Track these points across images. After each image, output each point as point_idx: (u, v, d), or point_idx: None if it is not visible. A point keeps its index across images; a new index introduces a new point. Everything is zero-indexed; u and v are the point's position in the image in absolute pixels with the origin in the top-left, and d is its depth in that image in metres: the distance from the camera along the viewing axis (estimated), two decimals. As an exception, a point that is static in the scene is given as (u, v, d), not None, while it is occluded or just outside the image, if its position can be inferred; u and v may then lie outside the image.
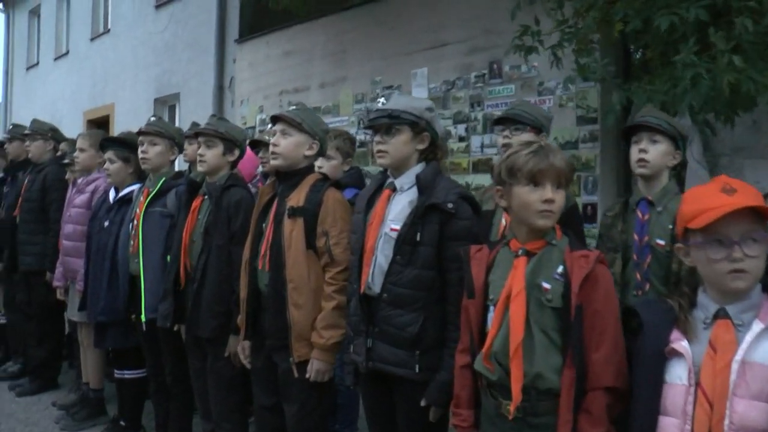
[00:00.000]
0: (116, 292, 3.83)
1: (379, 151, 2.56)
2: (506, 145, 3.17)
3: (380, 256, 2.51)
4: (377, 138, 2.55)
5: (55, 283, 4.69)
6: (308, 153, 2.97)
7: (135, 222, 3.66)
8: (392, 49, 7.02)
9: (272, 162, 2.97)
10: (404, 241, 2.45)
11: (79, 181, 4.65)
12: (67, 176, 4.96)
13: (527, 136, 3.17)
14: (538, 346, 2.05)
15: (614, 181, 5.25)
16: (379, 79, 7.14)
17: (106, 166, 4.06)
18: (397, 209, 2.54)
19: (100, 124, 11.54)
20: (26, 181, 5.20)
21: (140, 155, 3.68)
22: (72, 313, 4.54)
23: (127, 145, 4.05)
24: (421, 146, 2.58)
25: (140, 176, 4.11)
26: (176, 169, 4.04)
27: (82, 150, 4.53)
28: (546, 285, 2.06)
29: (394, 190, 2.59)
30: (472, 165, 6.02)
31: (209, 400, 3.37)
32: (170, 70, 10.15)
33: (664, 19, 3.77)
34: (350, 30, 7.52)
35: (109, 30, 11.97)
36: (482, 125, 6.02)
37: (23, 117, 10.07)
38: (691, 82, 3.74)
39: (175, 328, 3.44)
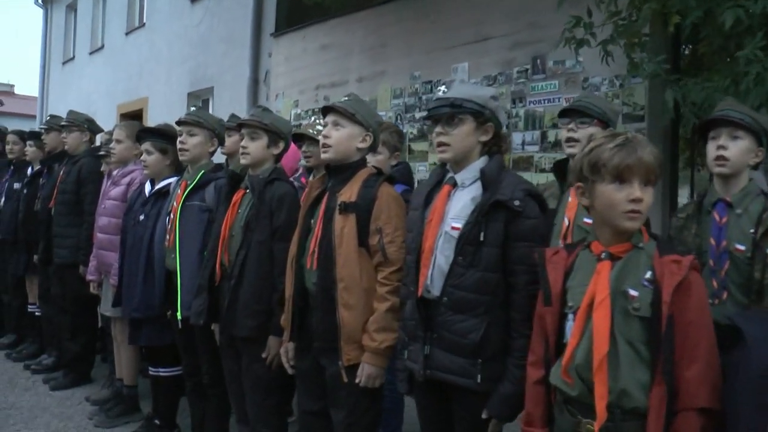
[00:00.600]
0: (152, 287, 3.66)
1: (440, 144, 2.33)
2: (570, 139, 2.94)
3: (440, 257, 2.29)
4: (438, 129, 2.33)
5: (89, 277, 4.53)
6: (361, 146, 2.77)
7: (172, 216, 3.46)
8: (432, 44, 6.82)
9: (323, 155, 2.76)
10: (467, 241, 2.22)
11: (115, 172, 4.48)
12: (102, 168, 4.81)
13: (594, 129, 2.93)
14: (623, 360, 1.83)
15: (664, 181, 4.98)
16: (418, 74, 6.94)
17: (143, 157, 3.89)
18: (458, 206, 2.31)
19: (133, 117, 11.38)
20: (62, 172, 5.06)
21: (178, 146, 3.49)
22: (105, 308, 4.38)
23: (164, 136, 3.88)
24: (484, 138, 2.35)
25: (178, 169, 3.94)
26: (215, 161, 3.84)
27: (118, 141, 4.36)
28: (633, 292, 1.84)
29: (454, 185, 2.37)
30: (512, 163, 5.77)
31: (246, 402, 3.17)
32: (204, 64, 10.03)
33: (730, 12, 3.50)
34: (389, 24, 7.32)
35: (144, 24, 11.89)
36: (523, 122, 5.79)
37: (59, 111, 9.94)
38: (755, 79, 3.49)
39: (211, 327, 3.26)
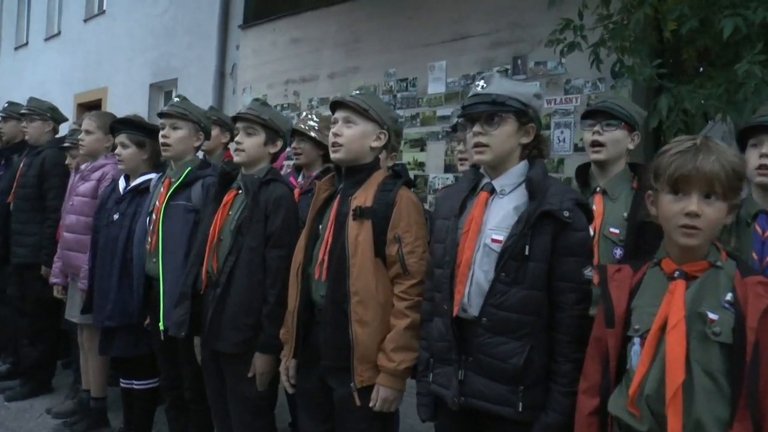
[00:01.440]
0: (127, 294, 3.28)
1: (478, 145, 2.05)
2: (596, 143, 2.71)
3: (478, 272, 2.01)
4: (476, 129, 2.05)
5: (53, 280, 4.08)
6: (375, 144, 2.47)
7: (154, 216, 3.10)
8: (409, 40, 6.60)
9: (333, 155, 2.45)
10: (510, 256, 1.95)
11: (83, 166, 4.07)
12: (67, 161, 4.39)
13: (620, 134, 2.71)
14: (699, 392, 1.60)
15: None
16: (393, 71, 6.70)
17: (117, 151, 3.49)
18: (498, 216, 2.04)
19: (91, 108, 10.80)
20: (22, 165, 4.60)
21: (161, 140, 3.12)
22: (72, 314, 3.95)
23: (142, 128, 3.51)
24: (525, 140, 2.09)
25: (155, 164, 3.58)
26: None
27: (88, 132, 3.93)
28: (712, 315, 1.61)
29: (491, 192, 2.10)
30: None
31: (232, 424, 2.84)
32: (168, 54, 9.55)
33: (728, 21, 3.37)
34: (364, 19, 7.05)
35: (104, 11, 11.28)
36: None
37: (11, 98, 9.37)
38: (753, 91, 3.36)
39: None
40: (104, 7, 11.35)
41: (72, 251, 3.88)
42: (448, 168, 6.05)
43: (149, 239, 3.10)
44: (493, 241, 2.00)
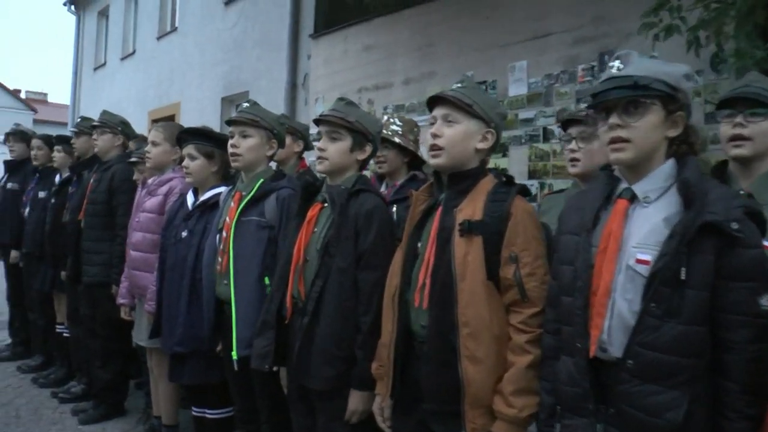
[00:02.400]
0: (197, 318, 2.99)
1: (616, 141, 1.62)
2: (738, 137, 2.23)
3: (620, 302, 1.58)
4: (613, 120, 1.62)
5: (120, 300, 3.83)
6: (481, 146, 2.08)
7: (224, 234, 2.78)
8: (487, 41, 6.17)
9: (434, 160, 2.07)
10: (662, 281, 1.50)
11: (150, 181, 3.81)
12: (134, 176, 4.14)
13: None
14: None
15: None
16: (471, 73, 6.26)
17: (184, 163, 3.21)
18: (644, 230, 1.59)
19: (165, 123, 10.89)
20: (92, 180, 4.39)
21: (230, 150, 2.80)
22: (140, 337, 3.69)
23: (210, 138, 3.21)
24: (673, 132, 1.65)
25: (225, 177, 3.28)
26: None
27: (154, 144, 3.66)
28: None
29: (631, 199, 1.66)
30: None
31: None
32: (239, 68, 9.42)
33: None
34: (438, 22, 6.69)
35: (176, 28, 11.30)
36: (591, 124, 5.09)
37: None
38: None
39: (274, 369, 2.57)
40: (176, 25, 11.37)
41: (138, 271, 3.62)
42: (532, 174, 5.59)
43: (219, 259, 2.78)
44: (639, 261, 1.56)
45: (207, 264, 2.88)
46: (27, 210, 5.46)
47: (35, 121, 28.09)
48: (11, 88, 32.78)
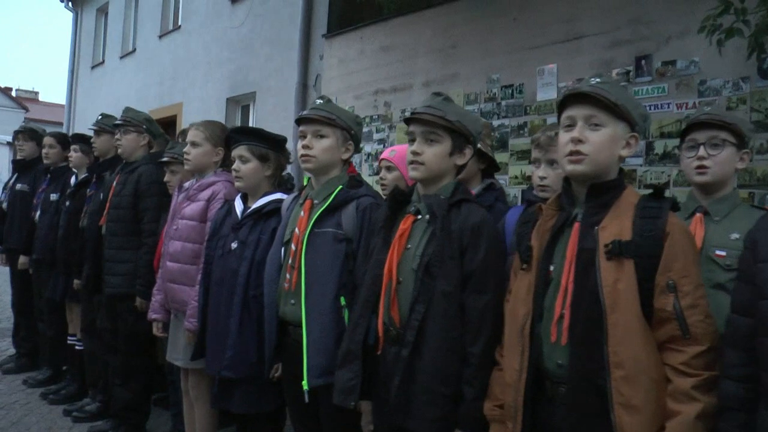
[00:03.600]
0: (250, 340, 2.63)
1: None
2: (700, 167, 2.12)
3: None
4: None
5: (152, 315, 3.42)
6: (624, 153, 1.74)
7: (293, 247, 2.40)
8: (514, 43, 5.81)
9: (574, 167, 1.72)
10: None
11: (187, 184, 3.41)
12: (166, 178, 3.73)
13: None
14: None
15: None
16: (497, 76, 5.93)
17: (235, 165, 2.83)
18: None
19: (166, 124, 10.37)
20: (115, 183, 3.97)
21: (301, 151, 2.42)
22: (175, 356, 3.29)
23: (265, 139, 2.83)
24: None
25: (277, 183, 2.90)
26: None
27: (195, 144, 3.26)
28: None
29: None
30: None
31: None
32: (246, 68, 8.99)
33: None
34: (462, 22, 6.33)
35: (179, 27, 10.84)
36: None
37: (87, 117, 8.95)
38: None
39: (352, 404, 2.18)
40: (179, 23, 10.92)
41: (176, 284, 3.21)
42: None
43: (288, 276, 2.39)
44: None
45: (269, 281, 2.49)
46: (38, 213, 5.03)
47: (27, 120, 27.38)
48: (2, 86, 31.95)
